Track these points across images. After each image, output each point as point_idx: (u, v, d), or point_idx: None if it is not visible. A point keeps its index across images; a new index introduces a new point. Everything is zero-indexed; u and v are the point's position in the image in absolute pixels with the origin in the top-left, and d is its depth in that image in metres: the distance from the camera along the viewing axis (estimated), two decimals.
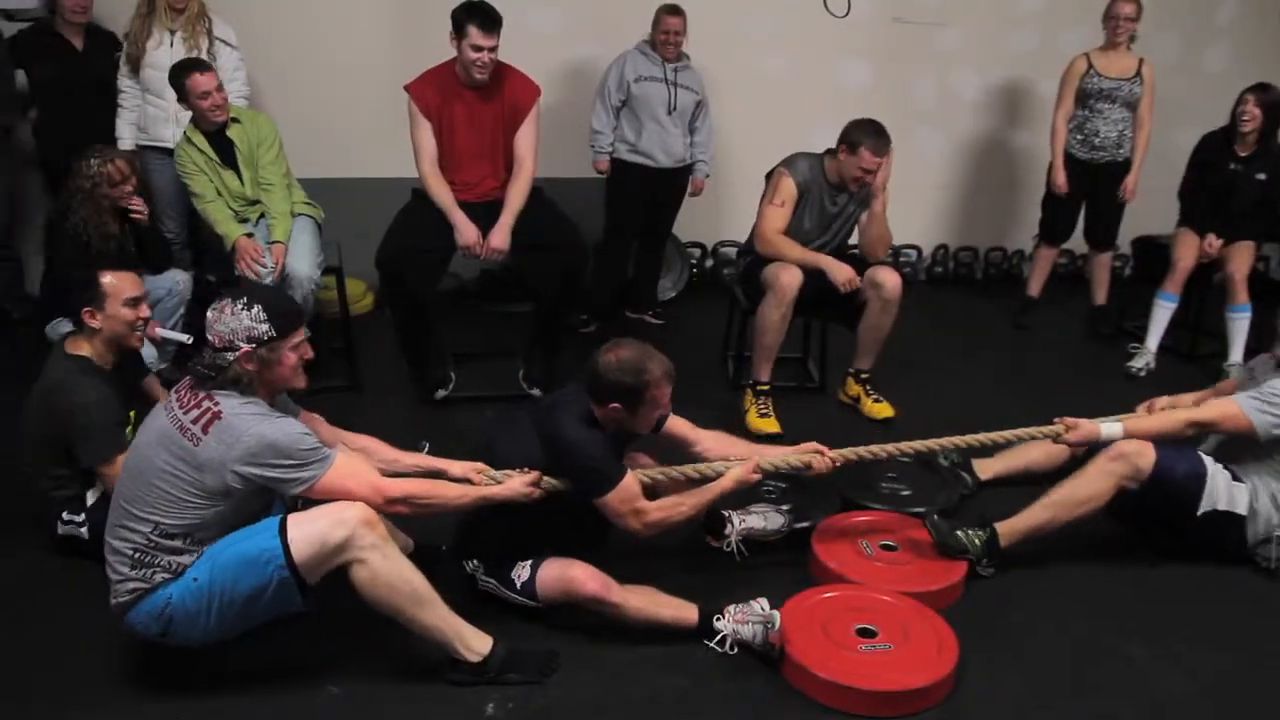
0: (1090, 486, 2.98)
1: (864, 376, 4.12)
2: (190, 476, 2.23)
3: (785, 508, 3.10)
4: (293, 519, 2.27)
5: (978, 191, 6.33)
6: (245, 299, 2.32)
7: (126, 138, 4.40)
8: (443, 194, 3.84)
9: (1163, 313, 4.93)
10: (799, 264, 3.81)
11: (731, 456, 2.85)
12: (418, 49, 4.17)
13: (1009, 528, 2.98)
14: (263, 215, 4.08)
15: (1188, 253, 4.90)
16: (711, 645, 2.57)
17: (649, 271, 5.23)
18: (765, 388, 3.95)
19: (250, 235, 3.94)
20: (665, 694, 2.44)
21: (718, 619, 2.58)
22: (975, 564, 2.94)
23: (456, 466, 2.58)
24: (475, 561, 2.66)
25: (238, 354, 2.27)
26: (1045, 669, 2.62)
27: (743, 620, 2.55)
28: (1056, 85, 5.21)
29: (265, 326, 2.30)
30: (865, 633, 2.57)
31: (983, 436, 3.16)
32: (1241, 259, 4.82)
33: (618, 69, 4.75)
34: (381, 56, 4.95)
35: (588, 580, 2.53)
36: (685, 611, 2.60)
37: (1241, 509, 3.04)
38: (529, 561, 2.60)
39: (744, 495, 3.07)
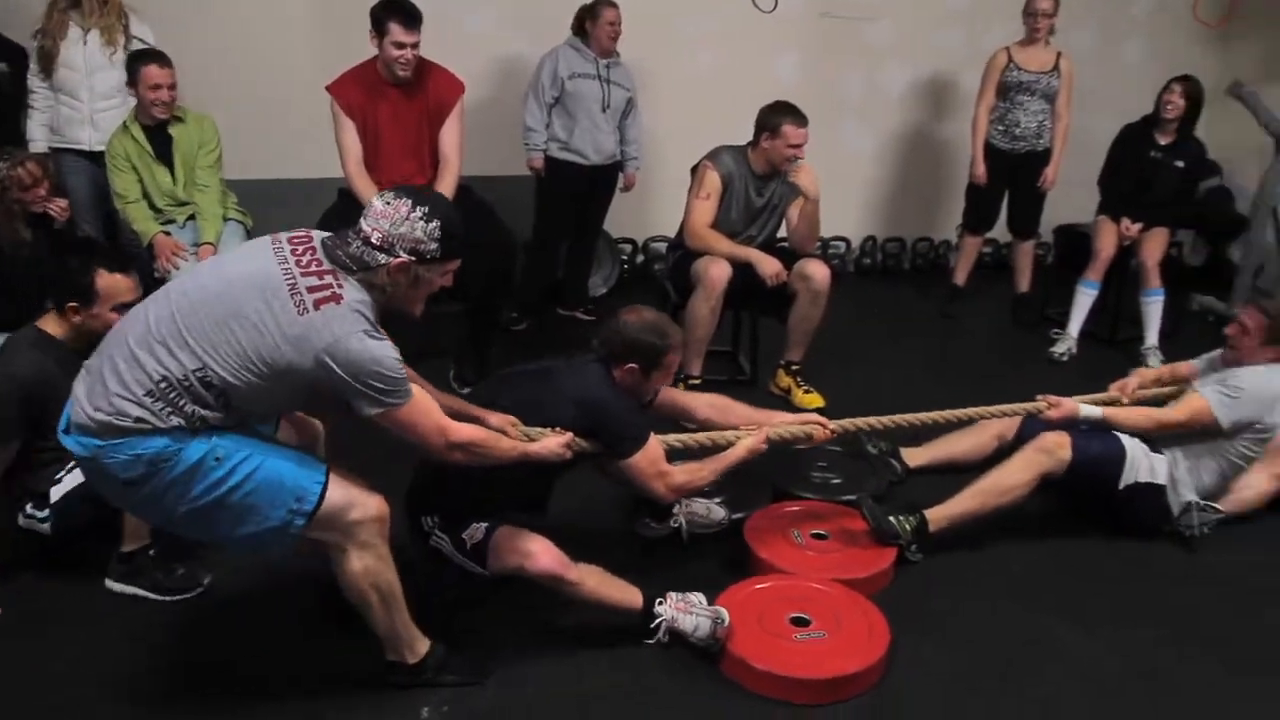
0: (1015, 476, 3.08)
1: (794, 368, 4.15)
2: (272, 340, 1.99)
3: (718, 500, 3.12)
4: (332, 477, 2.17)
5: (905, 183, 6.43)
6: (428, 207, 2.10)
7: (38, 139, 4.27)
8: (369, 194, 3.78)
9: (1084, 299, 5.06)
10: (727, 258, 3.84)
11: (741, 426, 2.88)
12: (340, 47, 4.12)
13: (938, 514, 3.05)
14: (192, 216, 4.02)
15: (1108, 241, 5.03)
16: (650, 630, 2.55)
17: (580, 268, 5.22)
18: (697, 381, 3.97)
19: (168, 233, 3.87)
20: (605, 692, 2.44)
21: (659, 603, 2.57)
22: (905, 549, 2.99)
23: (494, 417, 2.48)
24: (434, 518, 2.59)
25: (393, 261, 2.08)
26: (975, 650, 2.67)
27: (684, 609, 2.55)
28: (978, 78, 5.31)
29: (435, 246, 2.10)
30: (799, 621, 2.60)
31: (970, 411, 3.23)
32: (1155, 246, 4.96)
33: (550, 65, 4.73)
34: (304, 56, 4.87)
35: (543, 554, 2.46)
36: (631, 595, 2.58)
37: (1161, 479, 3.17)
38: (484, 524, 2.53)
39: None
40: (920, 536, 3.01)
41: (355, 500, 2.17)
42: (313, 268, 2.07)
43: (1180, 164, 4.92)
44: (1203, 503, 3.20)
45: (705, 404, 3.00)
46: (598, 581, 2.54)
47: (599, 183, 4.91)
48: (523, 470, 2.46)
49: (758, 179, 3.95)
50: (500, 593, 2.70)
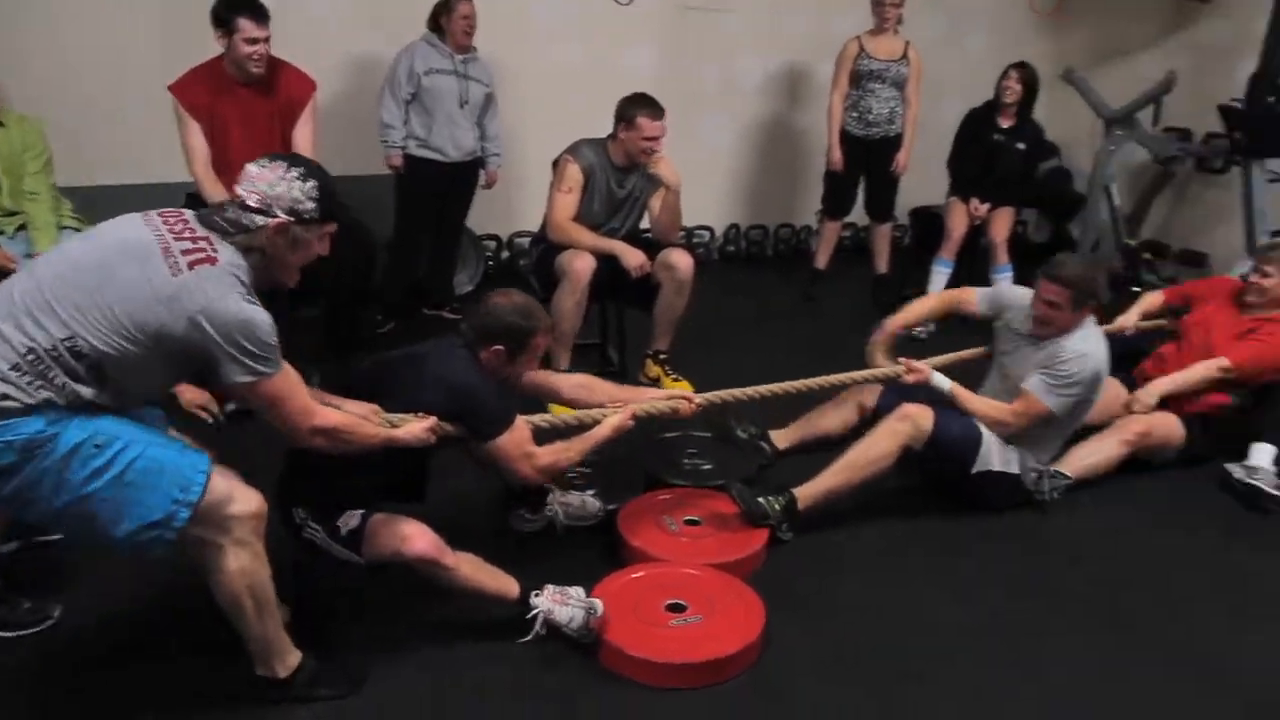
0: (878, 447, 3.14)
1: (662, 357, 4.18)
2: (144, 302, 1.93)
3: (591, 492, 3.12)
4: (214, 467, 2.09)
5: (765, 172, 6.54)
6: (304, 169, 2.12)
7: None
8: (219, 197, 3.66)
9: (939, 278, 5.25)
10: (591, 250, 3.84)
11: (607, 404, 2.88)
12: (183, 45, 3.95)
13: (806, 492, 3.11)
14: (22, 227, 3.79)
15: (959, 220, 5.24)
16: (526, 623, 2.54)
17: (444, 267, 5.15)
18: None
19: None
20: (485, 688, 2.42)
21: (536, 594, 2.56)
22: (776, 529, 3.04)
23: (354, 405, 2.41)
24: (303, 511, 2.50)
25: (271, 222, 2.07)
26: (847, 623, 2.75)
27: (560, 601, 2.54)
28: (832, 67, 5.43)
29: (313, 205, 2.11)
30: (675, 608, 2.62)
31: (832, 378, 3.33)
32: (1002, 224, 5.19)
33: (406, 61, 4.63)
34: (144, 53, 4.65)
35: (419, 538, 2.42)
36: (508, 584, 2.55)
37: (1014, 469, 3.29)
38: (359, 511, 2.47)
39: (561, 482, 3.12)
40: (790, 516, 3.06)
41: (236, 493, 2.10)
42: (186, 233, 2.03)
43: (1021, 146, 5.15)
44: (1053, 470, 3.35)
45: (571, 384, 3.00)
46: (474, 568, 2.51)
47: (459, 180, 4.84)
48: (392, 454, 2.42)
49: (618, 171, 3.96)
50: (372, 590, 2.66)
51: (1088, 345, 3.21)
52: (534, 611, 2.54)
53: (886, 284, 5.70)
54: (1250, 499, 3.48)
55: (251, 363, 2.02)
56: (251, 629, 2.21)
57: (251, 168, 2.11)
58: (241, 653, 2.27)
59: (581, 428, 2.81)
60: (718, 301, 5.29)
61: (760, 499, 3.04)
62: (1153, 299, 4.13)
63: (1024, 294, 3.40)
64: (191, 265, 1.97)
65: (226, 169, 3.73)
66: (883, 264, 5.74)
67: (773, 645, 2.58)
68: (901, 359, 3.35)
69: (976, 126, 5.28)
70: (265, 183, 2.09)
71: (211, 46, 3.72)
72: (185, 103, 3.69)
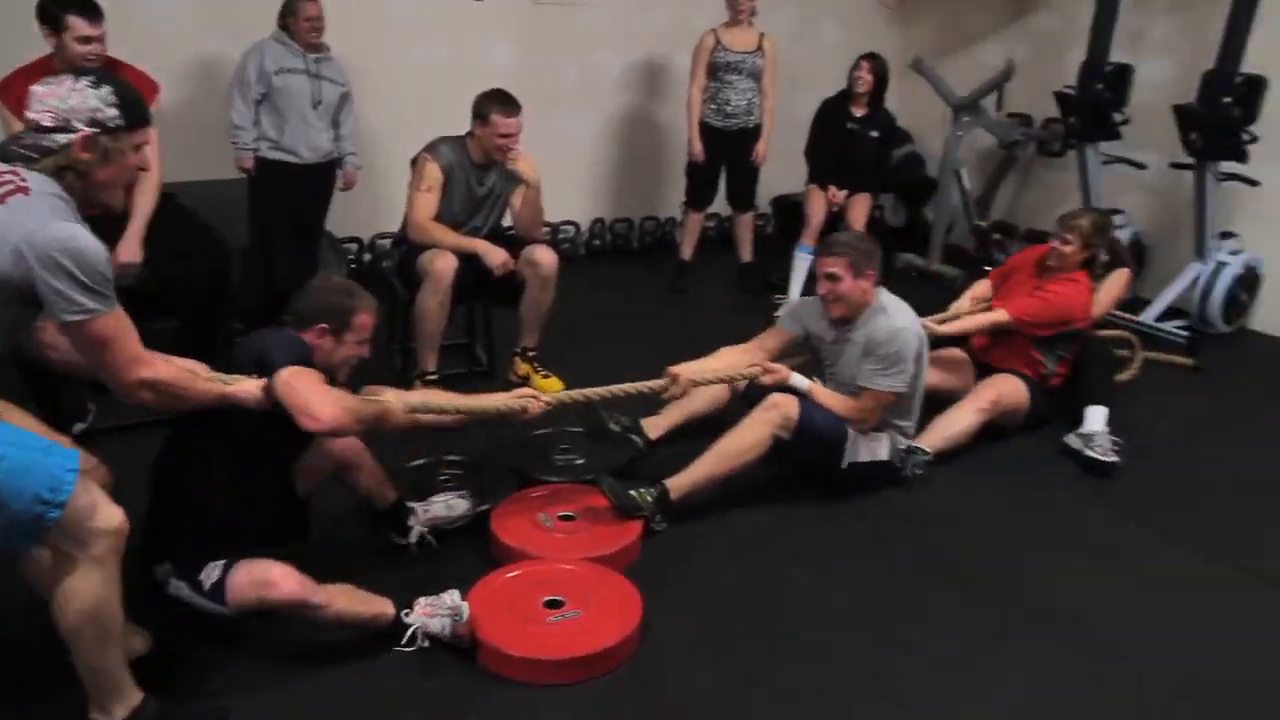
0: (749, 437, 3.18)
1: (531, 354, 4.16)
2: None
3: (459, 493, 3.09)
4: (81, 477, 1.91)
5: (628, 165, 6.57)
6: (93, 77, 2.00)
7: None
8: None
9: (802, 264, 5.36)
10: (453, 249, 3.79)
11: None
12: (5, 44, 3.74)
13: (678, 483, 3.13)
14: None
15: (818, 208, 5.36)
16: (402, 646, 2.49)
17: (304, 271, 4.97)
18: (434, 377, 3.90)
19: None
20: (364, 702, 2.36)
21: (406, 614, 2.51)
22: (649, 520, 3.06)
23: (180, 360, 2.29)
24: (166, 565, 2.38)
25: (74, 136, 1.94)
26: (724, 606, 2.79)
27: (431, 613, 2.51)
28: (689, 60, 5.49)
29: (115, 112, 1.98)
30: (553, 604, 2.61)
31: (695, 371, 3.31)
32: (860, 210, 5.33)
33: (255, 60, 4.48)
34: None
35: (283, 581, 2.32)
36: (382, 607, 2.49)
37: (883, 455, 3.38)
38: (221, 562, 2.36)
39: (425, 489, 3.07)
40: (663, 507, 3.09)
41: (100, 505, 1.93)
42: None
43: (874, 134, 5.30)
44: (913, 445, 3.46)
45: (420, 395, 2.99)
46: (347, 600, 2.44)
47: (315, 182, 4.70)
48: (269, 492, 2.36)
49: (478, 169, 3.92)
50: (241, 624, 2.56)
51: (896, 321, 3.29)
52: (410, 629, 2.50)
53: (752, 272, 5.81)
54: (1091, 468, 3.65)
55: (81, 296, 1.87)
56: (90, 659, 2.02)
57: (37, 88, 1.99)
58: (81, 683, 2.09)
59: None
60: (585, 296, 5.30)
61: (632, 492, 3.05)
62: (981, 286, 4.26)
63: (814, 300, 3.50)
64: (3, 199, 1.85)
65: None
66: (746, 253, 5.83)
67: (651, 635, 2.60)
68: (758, 363, 3.36)
69: (831, 116, 5.41)
70: (56, 98, 1.97)
71: (38, 46, 3.52)
72: (11, 106, 3.49)
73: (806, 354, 3.60)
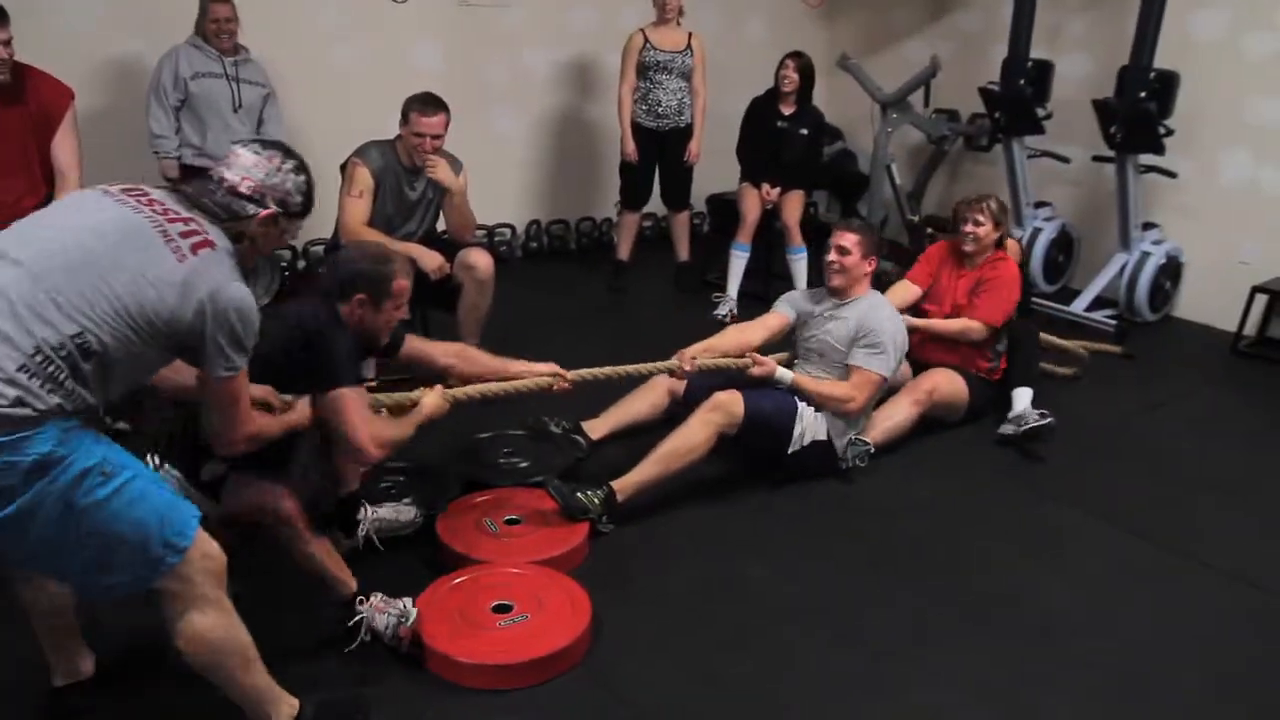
0: (693, 437, 3.20)
1: None
2: (156, 291, 1.82)
3: (405, 501, 3.05)
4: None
5: (561, 166, 6.54)
6: (296, 162, 2.13)
7: None
8: None
9: (738, 262, 5.39)
10: None
11: (483, 373, 2.96)
12: None
13: (624, 484, 3.13)
14: None
15: (751, 205, 5.39)
16: (350, 631, 2.49)
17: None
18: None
19: None
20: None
21: (362, 601, 2.50)
22: (596, 522, 3.05)
23: (257, 389, 2.33)
24: (159, 454, 2.39)
25: (261, 213, 2.06)
26: (672, 605, 2.79)
27: (383, 609, 2.49)
28: (619, 60, 5.49)
29: (300, 200, 2.13)
30: (501, 608, 2.59)
31: (699, 350, 3.40)
32: (793, 207, 5.37)
33: (170, 66, 4.38)
34: None
35: (285, 498, 2.40)
36: (348, 579, 2.52)
37: (823, 435, 3.41)
38: (226, 465, 2.42)
39: (368, 496, 3.01)
40: (609, 509, 3.08)
41: (205, 545, 1.95)
42: (171, 215, 1.93)
43: (804, 131, 5.34)
44: (855, 438, 3.50)
45: (446, 352, 3.00)
46: (325, 552, 2.50)
47: None
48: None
49: (408, 172, 3.86)
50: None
51: (886, 310, 3.52)
52: (357, 617, 2.48)
53: (689, 270, 5.82)
54: (1029, 438, 3.73)
55: (234, 355, 1.95)
56: (238, 685, 2.04)
57: (245, 154, 2.08)
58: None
59: (399, 410, 2.77)
60: (524, 298, 5.27)
61: (578, 494, 3.04)
62: (906, 290, 4.19)
63: (806, 290, 3.73)
64: (195, 249, 1.89)
65: None
66: (683, 251, 5.85)
67: (602, 636, 2.60)
68: (749, 353, 3.41)
69: (760, 115, 5.44)
70: (263, 171, 2.07)
71: None
72: None
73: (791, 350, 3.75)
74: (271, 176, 2.08)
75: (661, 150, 5.52)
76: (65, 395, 1.75)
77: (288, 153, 2.14)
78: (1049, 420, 3.73)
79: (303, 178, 2.14)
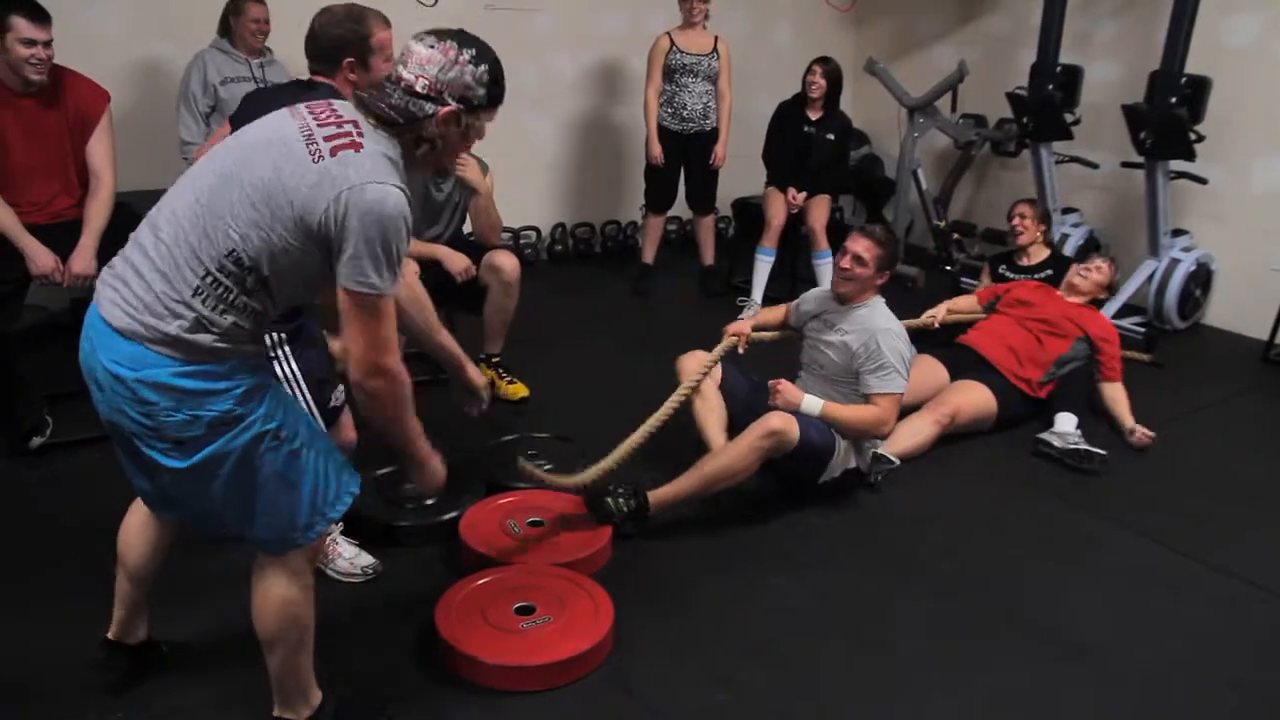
0: (740, 461, 3.11)
1: (495, 360, 4.13)
2: (285, 195, 1.75)
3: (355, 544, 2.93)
4: None
5: (588, 169, 6.55)
6: (475, 50, 1.91)
7: None
8: (3, 217, 3.40)
9: (763, 266, 5.39)
10: (414, 256, 3.73)
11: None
12: None
13: (660, 497, 3.08)
14: None
15: (778, 210, 5.38)
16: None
17: None
18: None
19: None
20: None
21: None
22: (621, 527, 3.04)
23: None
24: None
25: (441, 110, 1.85)
26: (696, 611, 2.78)
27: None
28: (645, 63, 5.49)
29: (484, 92, 1.90)
30: (524, 610, 2.59)
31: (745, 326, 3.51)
32: (820, 211, 5.36)
33: (199, 72, 4.41)
34: None
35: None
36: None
37: (853, 462, 3.39)
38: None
39: (391, 498, 3.02)
40: (638, 518, 3.05)
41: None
42: (331, 120, 1.84)
43: (830, 136, 5.33)
44: (880, 453, 3.47)
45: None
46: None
47: None
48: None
49: (435, 175, 3.86)
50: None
51: (890, 323, 3.38)
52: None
53: (714, 274, 5.82)
54: (1076, 459, 3.68)
55: (368, 266, 1.77)
56: (288, 663, 2.06)
57: (419, 48, 1.89)
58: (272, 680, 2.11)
59: None
60: (549, 301, 5.28)
61: (607, 499, 3.02)
62: (963, 300, 4.54)
63: (819, 289, 3.67)
64: (334, 151, 1.78)
65: (11, 187, 3.45)
66: (709, 255, 5.84)
67: (624, 639, 2.59)
68: (770, 381, 3.31)
69: (787, 120, 5.43)
70: (437, 66, 1.87)
71: None
72: None
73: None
74: (448, 71, 1.87)
75: (687, 153, 5.53)
76: (239, 312, 1.80)
77: (465, 40, 1.92)
78: (1101, 453, 3.68)
79: (483, 67, 1.90)
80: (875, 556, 3.11)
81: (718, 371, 3.48)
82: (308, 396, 2.58)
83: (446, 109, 1.87)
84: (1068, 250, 5.59)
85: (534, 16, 6.02)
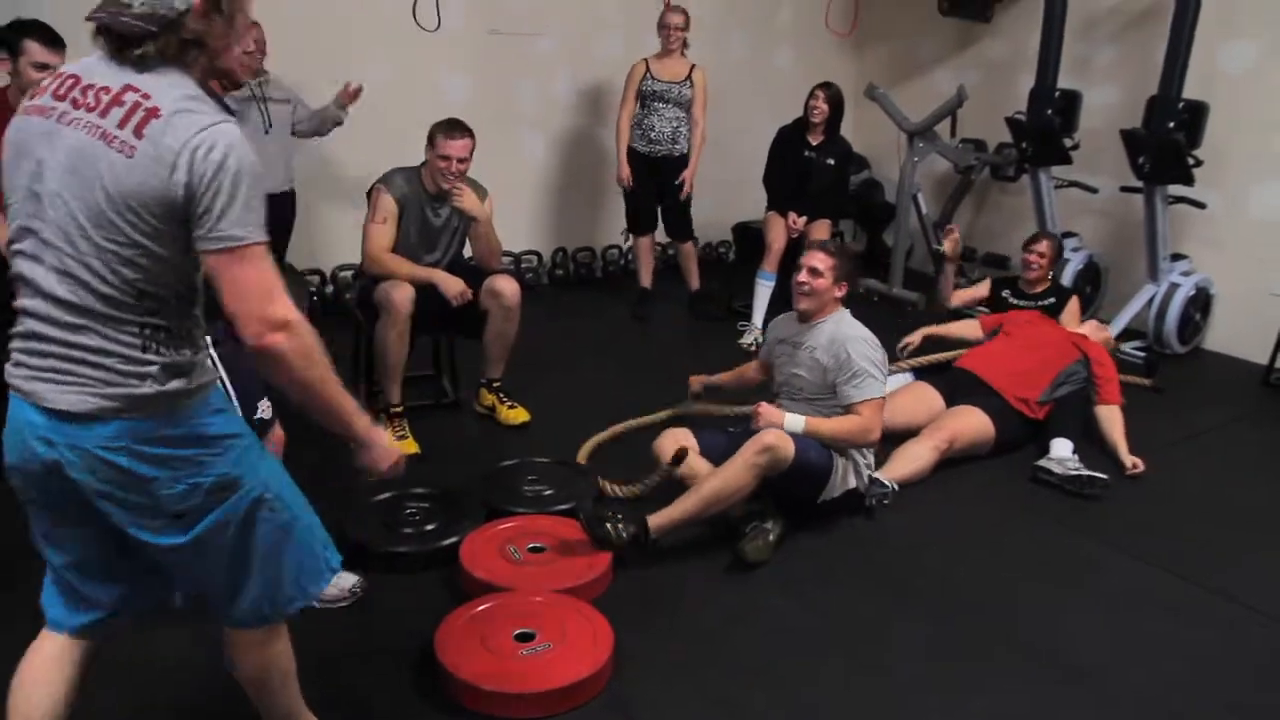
0: (736, 480, 3.11)
1: (496, 384, 4.14)
2: (120, 197, 1.56)
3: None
4: None
5: (587, 194, 6.57)
6: None
7: None
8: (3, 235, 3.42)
9: (764, 290, 5.40)
10: (409, 280, 3.75)
11: None
12: None
13: (660, 521, 3.06)
14: None
15: (778, 234, 5.40)
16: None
17: None
18: (399, 409, 3.86)
19: None
20: None
21: None
22: (620, 553, 3.03)
23: None
24: None
25: (194, 3, 1.59)
26: (696, 634, 2.78)
27: None
28: None
29: None
30: (524, 637, 2.59)
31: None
32: (820, 235, 5.36)
33: None
34: None
35: None
36: None
37: (852, 482, 3.39)
38: None
39: (392, 523, 3.00)
40: (640, 542, 3.03)
41: None
42: (99, 101, 1.60)
43: (831, 161, 5.36)
44: (877, 477, 3.47)
45: None
46: None
47: (275, 214, 4.60)
48: None
49: (433, 199, 3.87)
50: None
51: (856, 330, 3.39)
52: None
53: (703, 299, 5.83)
54: (1077, 484, 3.67)
55: (244, 217, 1.58)
56: (271, 701, 2.02)
57: None
58: None
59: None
60: (550, 326, 5.30)
61: (609, 525, 2.99)
62: (963, 326, 4.68)
63: (785, 314, 3.67)
64: (138, 132, 1.56)
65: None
66: (694, 281, 5.85)
67: (624, 665, 2.59)
68: (756, 403, 3.32)
69: (787, 144, 5.46)
70: None
71: None
72: None
73: None
74: None
75: (658, 178, 5.56)
76: (184, 340, 1.69)
77: None
78: (1102, 478, 3.68)
79: None
80: (873, 579, 3.11)
81: (694, 442, 3.39)
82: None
83: (196, 2, 1.62)
84: (1067, 274, 5.60)
85: (536, 40, 6.07)
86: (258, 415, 2.50)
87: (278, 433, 2.59)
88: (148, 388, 1.64)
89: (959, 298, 4.86)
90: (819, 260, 3.40)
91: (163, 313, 1.66)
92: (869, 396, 3.28)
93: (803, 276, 3.41)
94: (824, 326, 3.41)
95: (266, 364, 1.67)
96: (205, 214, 1.57)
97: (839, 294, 3.43)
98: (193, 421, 1.70)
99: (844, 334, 3.36)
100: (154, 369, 1.65)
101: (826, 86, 5.33)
